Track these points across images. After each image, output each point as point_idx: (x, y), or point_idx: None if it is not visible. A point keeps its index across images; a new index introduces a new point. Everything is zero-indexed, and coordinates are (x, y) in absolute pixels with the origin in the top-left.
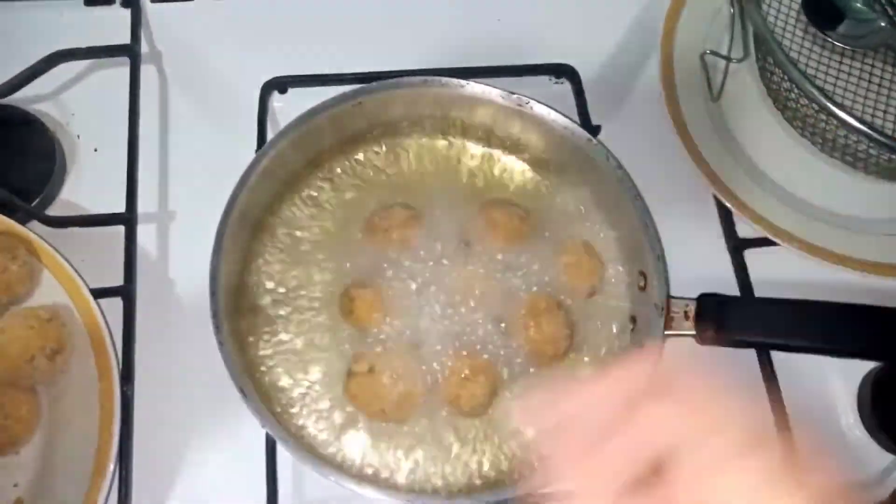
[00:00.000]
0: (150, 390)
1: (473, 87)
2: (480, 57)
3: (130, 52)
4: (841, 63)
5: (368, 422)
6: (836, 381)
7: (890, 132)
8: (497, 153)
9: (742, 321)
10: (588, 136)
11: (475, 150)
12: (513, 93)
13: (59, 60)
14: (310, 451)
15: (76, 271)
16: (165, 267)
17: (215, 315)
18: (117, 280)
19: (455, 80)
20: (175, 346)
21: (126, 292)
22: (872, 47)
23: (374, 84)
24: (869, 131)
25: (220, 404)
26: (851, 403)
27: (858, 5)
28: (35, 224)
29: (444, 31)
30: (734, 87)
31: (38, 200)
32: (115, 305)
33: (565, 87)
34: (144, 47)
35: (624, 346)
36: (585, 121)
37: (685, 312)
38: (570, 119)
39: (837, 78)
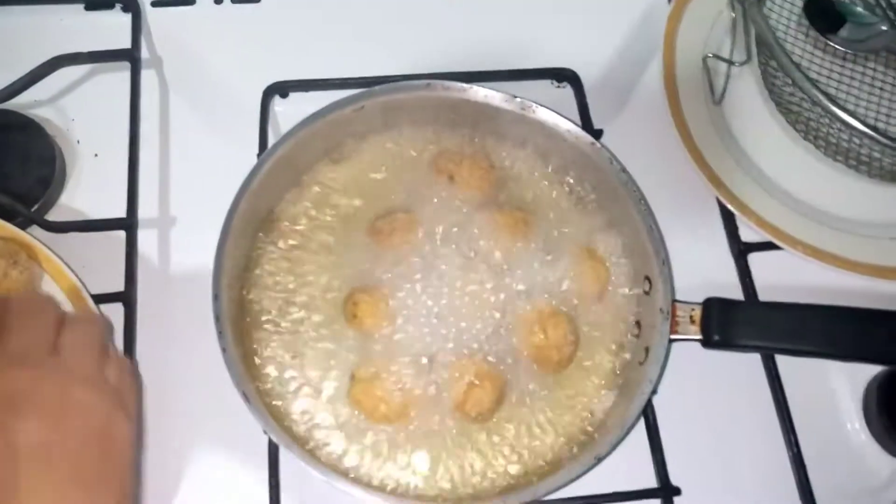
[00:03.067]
0: (151, 395)
1: (476, 91)
2: (482, 61)
3: (131, 56)
4: (843, 67)
5: (372, 427)
6: (842, 385)
7: (893, 135)
8: (500, 157)
9: (748, 326)
10: (591, 139)
11: (478, 154)
12: (515, 96)
13: (60, 65)
14: (313, 456)
15: (77, 276)
16: (166, 272)
17: (218, 319)
18: (118, 285)
19: (458, 84)
20: (176, 352)
21: (127, 297)
22: (874, 51)
23: (376, 88)
24: (872, 134)
25: (222, 409)
26: (857, 407)
27: (859, 9)
28: (35, 229)
29: (446, 36)
30: (736, 91)
31: (37, 206)
32: (115, 311)
33: (567, 91)
34: (145, 52)
35: (629, 351)
36: (587, 125)
37: (691, 317)
38: (574, 122)
39: (840, 81)
